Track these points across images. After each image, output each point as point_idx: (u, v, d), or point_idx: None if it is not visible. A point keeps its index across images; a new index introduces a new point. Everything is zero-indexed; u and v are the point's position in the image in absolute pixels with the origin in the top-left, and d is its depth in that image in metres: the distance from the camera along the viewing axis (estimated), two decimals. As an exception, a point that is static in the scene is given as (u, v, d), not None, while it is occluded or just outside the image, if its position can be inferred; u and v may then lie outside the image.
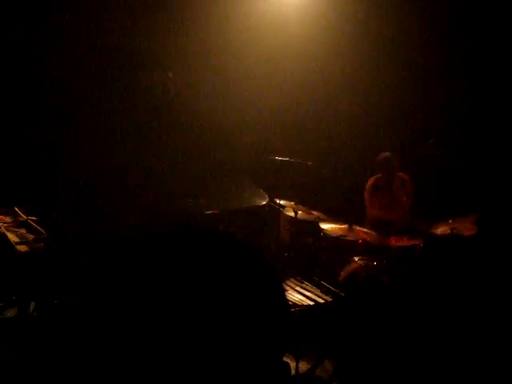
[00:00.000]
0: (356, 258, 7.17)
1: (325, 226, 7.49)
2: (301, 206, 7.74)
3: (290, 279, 6.72)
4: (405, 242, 7.20)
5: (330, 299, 6.44)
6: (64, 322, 5.59)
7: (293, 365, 5.43)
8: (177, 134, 9.25)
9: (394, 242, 7.20)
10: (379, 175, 8.02)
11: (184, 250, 1.16)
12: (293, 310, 5.67)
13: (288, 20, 9.41)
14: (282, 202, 7.96)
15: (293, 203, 7.81)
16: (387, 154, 7.87)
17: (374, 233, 7.40)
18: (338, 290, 6.78)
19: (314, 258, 7.98)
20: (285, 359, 1.21)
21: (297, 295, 6.32)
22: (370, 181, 8.14)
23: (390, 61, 9.34)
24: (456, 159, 7.95)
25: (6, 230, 5.85)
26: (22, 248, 5.50)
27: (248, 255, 1.22)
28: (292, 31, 9.39)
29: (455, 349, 6.01)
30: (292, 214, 7.83)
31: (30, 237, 5.76)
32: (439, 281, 6.81)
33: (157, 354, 1.07)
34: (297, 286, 6.60)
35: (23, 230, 5.94)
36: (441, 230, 7.12)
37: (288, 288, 6.32)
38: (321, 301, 6.33)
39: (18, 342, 5.49)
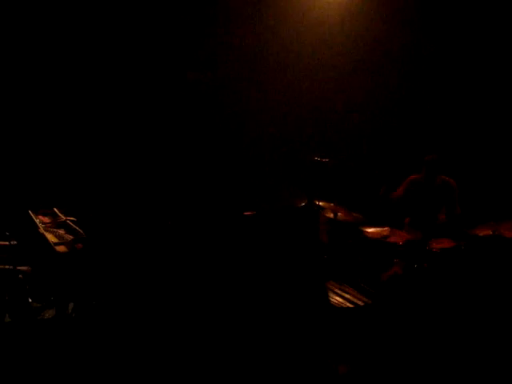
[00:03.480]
0: (396, 261, 7.10)
1: (365, 227, 7.42)
2: (340, 208, 7.69)
3: (330, 281, 6.67)
4: (446, 244, 7.11)
5: (370, 302, 6.39)
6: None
7: (333, 367, 5.37)
8: (214, 134, 9.23)
9: (435, 244, 7.11)
10: (422, 174, 7.96)
11: (232, 249, 1.14)
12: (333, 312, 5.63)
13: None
14: (321, 204, 7.90)
15: (332, 204, 7.75)
16: (434, 155, 7.82)
17: (414, 235, 7.32)
18: (378, 293, 6.72)
19: (354, 260, 7.91)
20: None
21: (336, 297, 6.27)
22: (414, 176, 8.09)
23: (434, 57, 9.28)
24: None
25: (45, 230, 5.87)
26: (61, 248, 5.50)
27: (293, 256, 1.19)
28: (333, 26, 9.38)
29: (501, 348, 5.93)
30: (331, 215, 7.78)
31: (69, 237, 5.77)
32: (481, 282, 6.73)
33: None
34: (336, 288, 6.56)
35: (62, 231, 5.96)
36: (483, 231, 7.02)
37: (328, 290, 6.27)
38: (360, 303, 6.27)
39: (56, 343, 5.50)
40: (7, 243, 5.97)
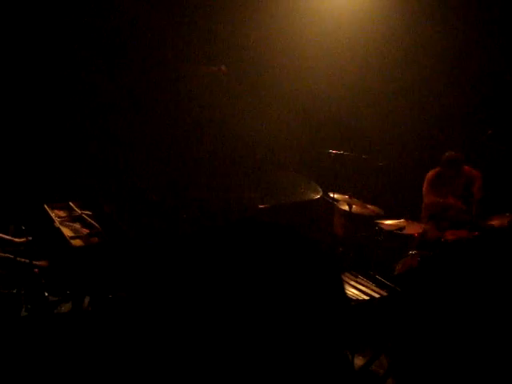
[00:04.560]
0: (411, 252, 7.08)
1: (380, 219, 7.41)
2: (355, 200, 7.68)
3: (345, 273, 6.65)
4: (460, 235, 7.07)
5: (386, 294, 6.37)
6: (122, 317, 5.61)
7: (349, 359, 5.37)
8: (230, 128, 9.24)
9: (450, 235, 7.08)
10: (441, 170, 7.83)
11: (246, 242, 1.14)
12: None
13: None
14: (335, 196, 7.90)
15: (347, 197, 7.75)
16: (453, 153, 7.67)
17: (429, 227, 7.30)
18: (393, 285, 6.70)
19: (369, 252, 7.90)
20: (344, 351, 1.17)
21: (352, 290, 6.26)
22: (431, 173, 7.97)
23: (445, 54, 9.23)
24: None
25: (61, 224, 5.88)
26: (77, 242, 5.51)
27: (308, 248, 1.19)
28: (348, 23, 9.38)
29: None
30: (346, 207, 7.78)
31: (85, 231, 5.78)
32: (495, 274, 6.70)
33: (223, 347, 1.04)
34: (352, 280, 6.54)
35: (78, 225, 5.96)
36: (498, 222, 6.99)
37: (343, 283, 6.25)
38: (376, 295, 6.26)
39: (72, 336, 5.51)
40: (24, 239, 5.99)
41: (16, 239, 6.13)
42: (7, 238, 6.19)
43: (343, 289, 1.19)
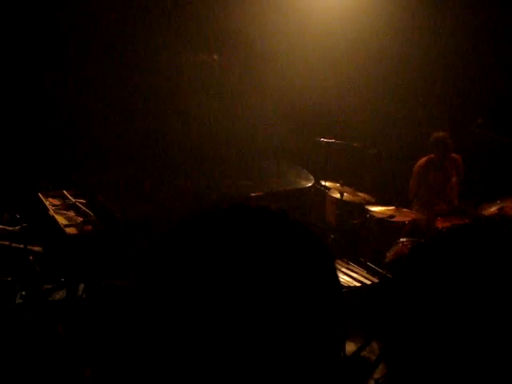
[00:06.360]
0: (402, 240, 7.12)
1: (371, 207, 7.45)
2: (346, 188, 7.72)
3: (337, 261, 6.69)
4: (452, 223, 7.11)
5: (377, 281, 6.42)
6: (114, 303, 5.64)
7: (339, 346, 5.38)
8: (222, 116, 9.25)
9: (440, 223, 7.12)
10: (431, 155, 7.90)
11: (238, 228, 1.16)
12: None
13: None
14: (327, 184, 7.93)
15: (338, 185, 7.78)
16: (441, 133, 7.76)
17: (420, 214, 7.34)
18: (384, 272, 6.75)
19: (360, 239, 7.95)
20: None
21: (344, 277, 6.32)
22: (422, 160, 8.02)
23: (438, 43, 9.27)
24: (504, 139, 7.84)
25: (55, 212, 5.90)
26: (71, 230, 5.54)
27: (301, 233, 1.22)
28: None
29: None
30: (338, 195, 7.81)
31: (79, 219, 5.80)
32: (486, 260, 6.73)
33: (210, 334, 1.07)
34: (343, 267, 6.59)
35: (72, 213, 5.99)
36: (488, 210, 7.02)
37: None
38: (368, 282, 6.31)
39: (67, 323, 5.55)
40: (19, 227, 6.03)
41: (10, 228, 6.16)
42: (1, 227, 6.22)
43: (336, 274, 1.23)
